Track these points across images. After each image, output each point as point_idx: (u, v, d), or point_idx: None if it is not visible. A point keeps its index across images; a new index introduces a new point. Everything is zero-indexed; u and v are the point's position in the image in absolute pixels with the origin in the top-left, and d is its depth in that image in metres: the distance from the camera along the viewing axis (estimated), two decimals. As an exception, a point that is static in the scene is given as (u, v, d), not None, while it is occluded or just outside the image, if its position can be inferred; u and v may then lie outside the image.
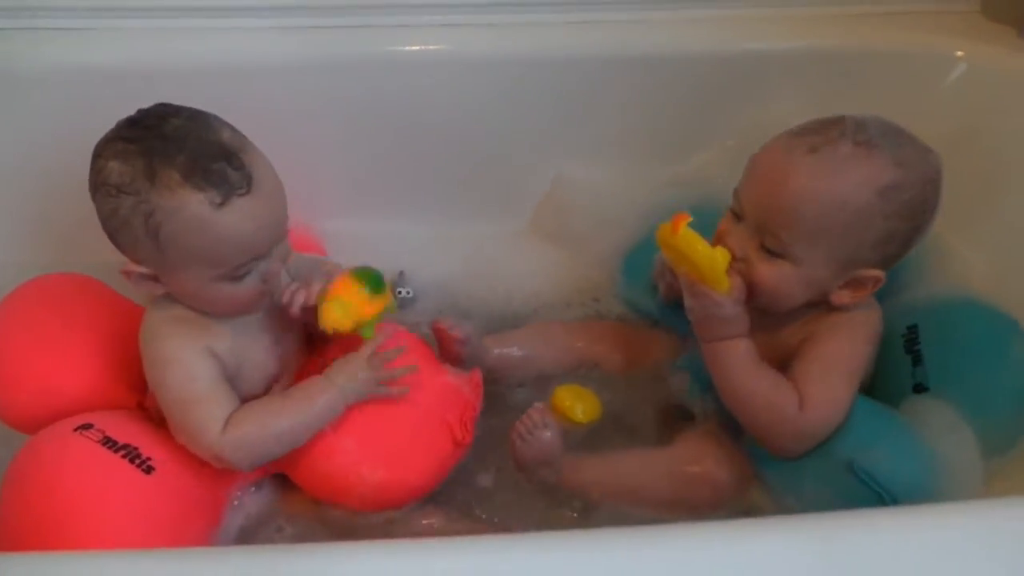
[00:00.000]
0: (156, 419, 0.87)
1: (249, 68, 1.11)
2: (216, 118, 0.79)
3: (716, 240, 0.84)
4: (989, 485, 0.83)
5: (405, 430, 0.86)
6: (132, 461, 0.79)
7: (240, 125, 1.09)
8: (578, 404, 0.94)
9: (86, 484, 0.77)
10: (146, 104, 1.05)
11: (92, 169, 0.77)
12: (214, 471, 0.83)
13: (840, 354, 0.84)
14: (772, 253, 0.81)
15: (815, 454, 0.82)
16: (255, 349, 0.86)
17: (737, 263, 0.83)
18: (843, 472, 0.79)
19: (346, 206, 1.16)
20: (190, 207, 0.73)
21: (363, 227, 1.17)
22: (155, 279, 0.79)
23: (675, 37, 1.14)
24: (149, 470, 0.79)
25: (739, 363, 0.84)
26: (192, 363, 0.80)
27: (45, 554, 0.61)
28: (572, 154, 1.20)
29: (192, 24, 1.11)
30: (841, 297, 0.83)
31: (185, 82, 1.07)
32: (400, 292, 1.11)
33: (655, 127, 1.16)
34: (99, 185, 0.76)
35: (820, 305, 0.85)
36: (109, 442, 0.80)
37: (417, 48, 1.12)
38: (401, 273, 1.10)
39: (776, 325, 0.87)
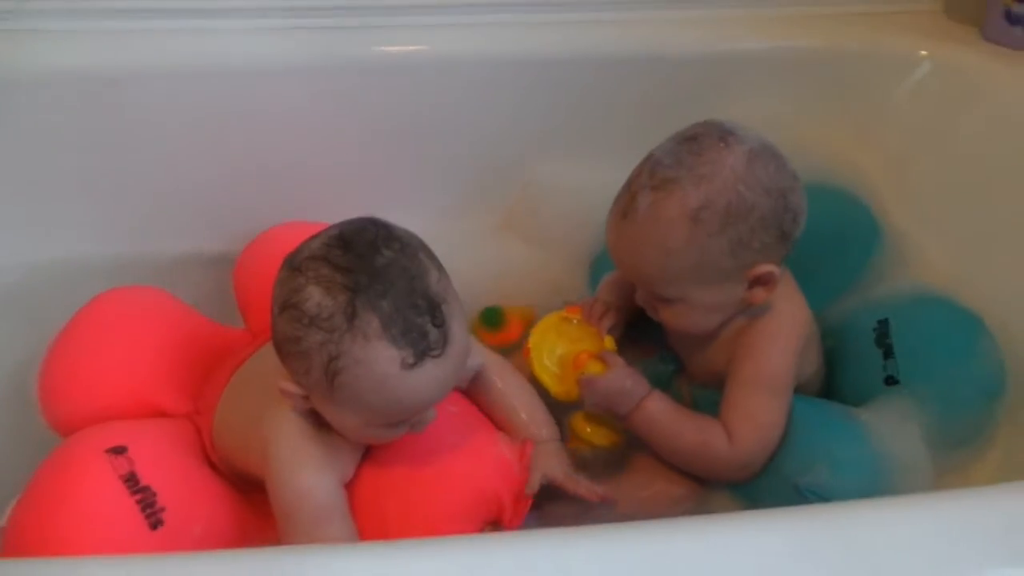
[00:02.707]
0: (204, 436, 0.86)
1: (231, 70, 1.11)
2: (424, 250, 0.73)
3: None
4: (960, 475, 0.86)
5: (456, 501, 0.79)
6: (144, 510, 0.76)
7: (224, 126, 1.13)
8: (599, 428, 0.91)
9: (87, 520, 0.75)
10: (136, 108, 1.09)
11: (286, 283, 0.70)
12: (227, 531, 0.80)
13: (761, 374, 0.83)
14: (662, 299, 0.84)
15: (765, 475, 0.83)
16: (357, 461, 0.81)
17: (650, 312, 0.86)
18: (792, 492, 0.80)
19: (324, 204, 1.15)
20: (379, 363, 0.68)
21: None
22: (306, 400, 0.74)
23: (649, 38, 1.15)
24: (156, 524, 0.76)
25: (659, 419, 0.85)
26: (326, 499, 0.76)
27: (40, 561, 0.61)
28: (547, 154, 1.20)
29: (176, 26, 1.11)
30: (757, 296, 0.82)
31: (170, 85, 1.09)
32: None
33: (630, 127, 1.16)
34: (291, 306, 0.69)
35: (743, 313, 0.86)
36: (131, 479, 0.77)
37: (395, 49, 1.12)
38: None
39: (705, 344, 0.89)
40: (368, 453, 0.81)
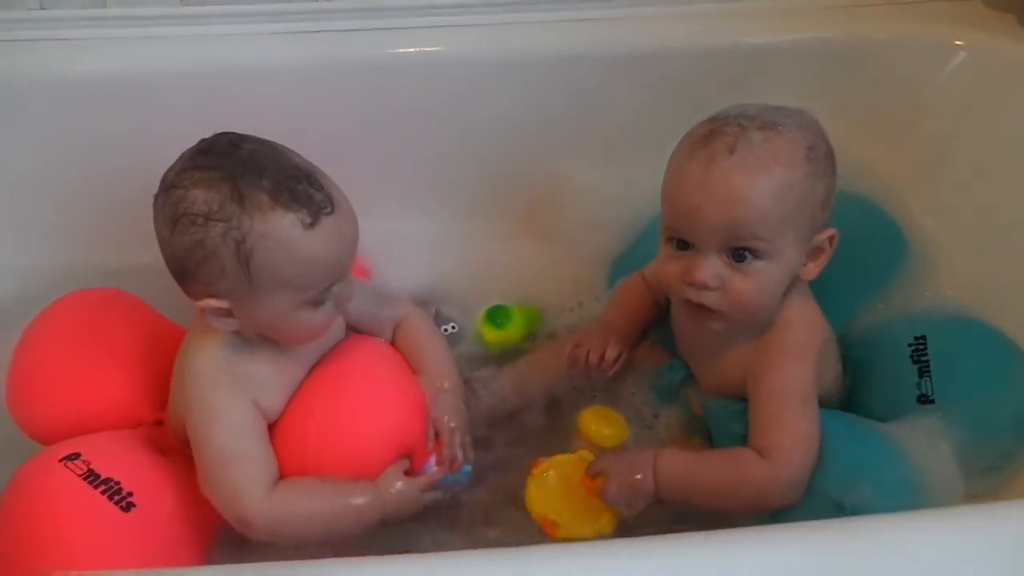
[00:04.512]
0: (172, 439, 0.86)
1: (241, 74, 1.10)
2: (281, 145, 0.79)
3: (676, 274, 0.81)
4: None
5: (377, 432, 0.83)
6: (111, 498, 0.77)
7: (239, 130, 1.12)
8: (604, 428, 0.90)
9: (61, 521, 0.76)
10: (145, 112, 1.09)
11: (166, 202, 0.75)
12: (199, 508, 0.80)
13: (788, 385, 0.80)
14: (753, 257, 0.78)
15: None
16: (290, 382, 0.85)
17: (713, 292, 0.79)
18: (834, 511, 0.76)
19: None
20: (283, 229, 0.73)
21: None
22: (229, 314, 0.77)
23: (670, 33, 1.13)
24: (128, 507, 0.77)
25: (682, 466, 0.81)
26: (239, 418, 0.79)
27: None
28: (566, 153, 1.18)
29: (186, 31, 1.11)
30: (809, 272, 0.83)
31: (180, 89, 1.09)
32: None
33: (651, 126, 1.14)
34: (180, 216, 0.74)
35: (752, 329, 0.83)
36: (91, 475, 0.78)
37: (410, 50, 1.12)
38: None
39: (718, 353, 0.86)
40: (297, 388, 0.85)
